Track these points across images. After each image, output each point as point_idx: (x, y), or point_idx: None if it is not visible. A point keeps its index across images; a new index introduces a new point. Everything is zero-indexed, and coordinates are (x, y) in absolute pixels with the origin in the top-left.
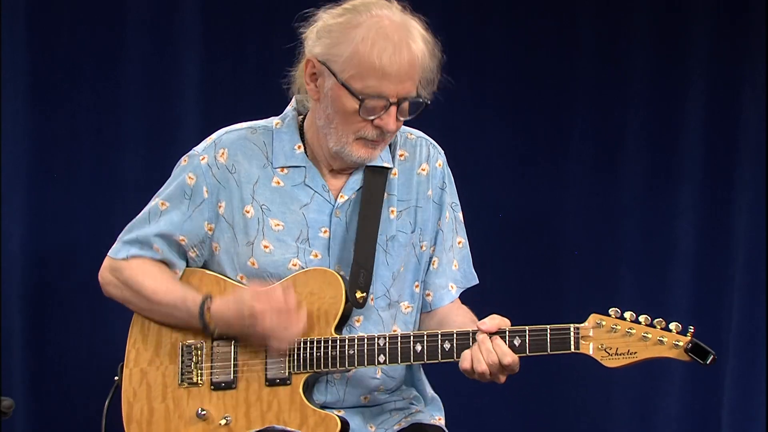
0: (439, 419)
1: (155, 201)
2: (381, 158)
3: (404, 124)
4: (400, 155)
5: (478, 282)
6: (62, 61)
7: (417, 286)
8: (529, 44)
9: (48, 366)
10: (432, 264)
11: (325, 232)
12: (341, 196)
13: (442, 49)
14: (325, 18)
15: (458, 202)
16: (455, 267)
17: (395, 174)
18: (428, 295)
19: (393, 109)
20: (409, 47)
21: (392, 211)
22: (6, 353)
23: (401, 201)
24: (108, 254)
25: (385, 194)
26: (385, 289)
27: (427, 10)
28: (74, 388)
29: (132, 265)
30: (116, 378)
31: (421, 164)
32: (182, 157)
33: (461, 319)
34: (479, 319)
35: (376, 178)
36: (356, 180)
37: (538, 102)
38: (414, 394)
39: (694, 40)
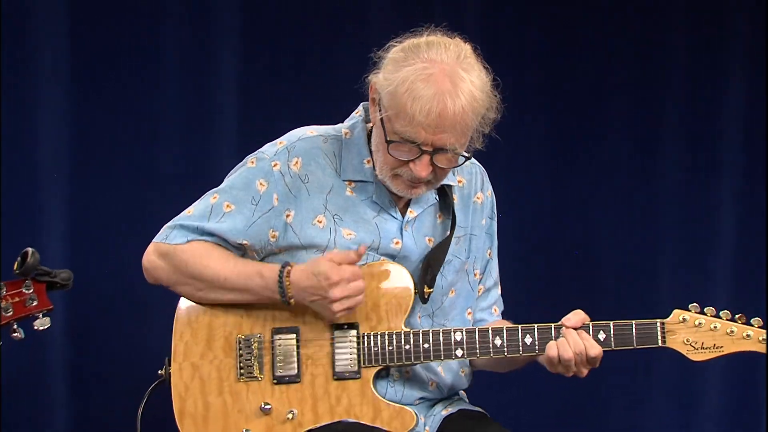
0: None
1: (216, 199)
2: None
3: None
4: (459, 182)
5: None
6: (101, 53)
7: (469, 314)
8: (564, 38)
9: (89, 360)
10: (477, 291)
11: (397, 243)
12: (410, 212)
13: (500, 107)
14: (396, 48)
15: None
16: (500, 291)
17: (455, 199)
18: (468, 313)
19: (425, 157)
20: (445, 101)
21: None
22: (47, 347)
23: (459, 227)
24: (155, 241)
25: (442, 217)
26: (431, 310)
27: (465, 8)
28: (115, 379)
29: (192, 247)
30: (160, 372)
31: (477, 193)
32: (249, 158)
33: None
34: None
35: (447, 193)
36: (426, 197)
37: (575, 96)
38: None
39: (732, 31)
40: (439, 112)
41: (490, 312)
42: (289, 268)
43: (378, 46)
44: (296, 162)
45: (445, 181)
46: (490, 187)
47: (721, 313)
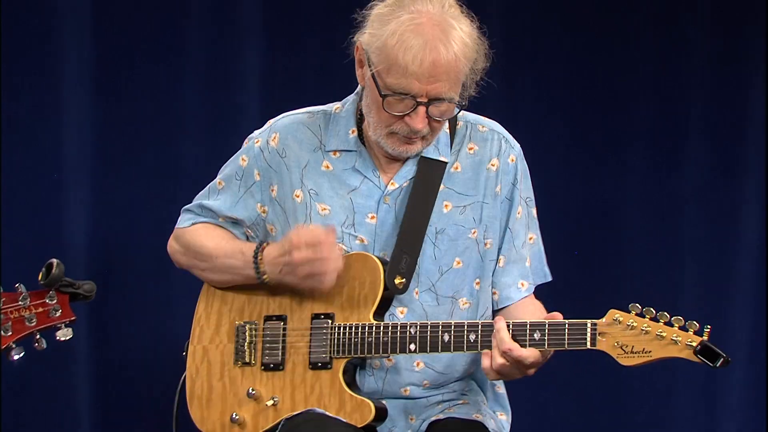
0: (500, 415)
1: (216, 178)
2: (438, 150)
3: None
4: (470, 149)
5: (551, 279)
6: (124, 50)
7: (478, 283)
8: (588, 36)
9: (113, 352)
10: (498, 262)
11: (372, 217)
12: (392, 183)
13: (489, 54)
14: (379, 5)
15: (533, 197)
16: (528, 264)
17: (457, 168)
18: (494, 293)
19: (421, 109)
20: (437, 48)
21: (446, 205)
22: (71, 342)
23: (465, 196)
24: (176, 226)
25: (442, 186)
26: (430, 283)
27: (488, 8)
28: (139, 376)
29: (194, 228)
30: (184, 353)
31: (491, 159)
32: (245, 139)
33: (528, 316)
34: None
35: (432, 169)
36: (410, 169)
37: (599, 95)
38: (471, 387)
39: (757, 28)
40: (432, 61)
41: (517, 288)
42: (265, 244)
43: None
44: (274, 137)
45: (435, 156)
46: (514, 153)
47: (658, 315)
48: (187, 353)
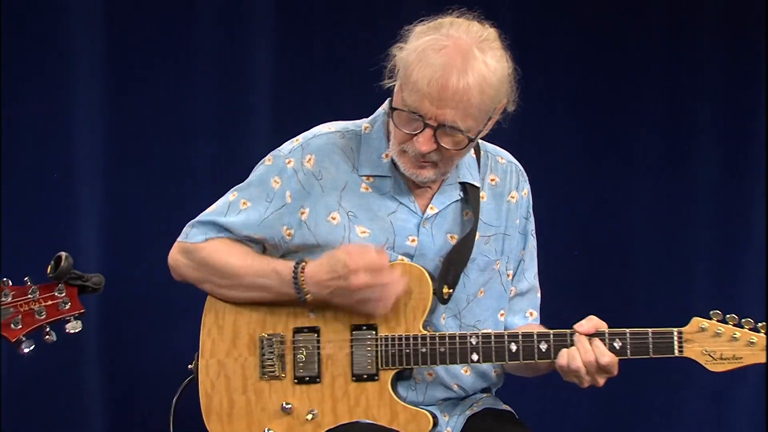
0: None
1: (235, 197)
2: (471, 175)
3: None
4: (491, 180)
5: None
6: (135, 50)
7: (502, 315)
8: (597, 35)
9: (122, 356)
10: (510, 292)
11: (413, 240)
12: (431, 208)
13: (517, 98)
14: (422, 24)
15: (535, 231)
16: (539, 294)
17: (483, 197)
18: (501, 315)
19: (428, 131)
20: (450, 74)
21: (476, 234)
22: (81, 343)
23: (489, 226)
24: (178, 240)
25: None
26: (457, 310)
27: (498, 6)
28: (148, 378)
29: (211, 245)
30: (190, 366)
31: (511, 191)
32: (267, 156)
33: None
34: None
35: (473, 193)
36: (449, 194)
37: (607, 95)
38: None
39: (762, 27)
40: (442, 84)
41: (524, 316)
42: (304, 263)
43: None
44: (309, 159)
45: (469, 180)
46: (527, 187)
47: (743, 321)
48: (195, 366)
